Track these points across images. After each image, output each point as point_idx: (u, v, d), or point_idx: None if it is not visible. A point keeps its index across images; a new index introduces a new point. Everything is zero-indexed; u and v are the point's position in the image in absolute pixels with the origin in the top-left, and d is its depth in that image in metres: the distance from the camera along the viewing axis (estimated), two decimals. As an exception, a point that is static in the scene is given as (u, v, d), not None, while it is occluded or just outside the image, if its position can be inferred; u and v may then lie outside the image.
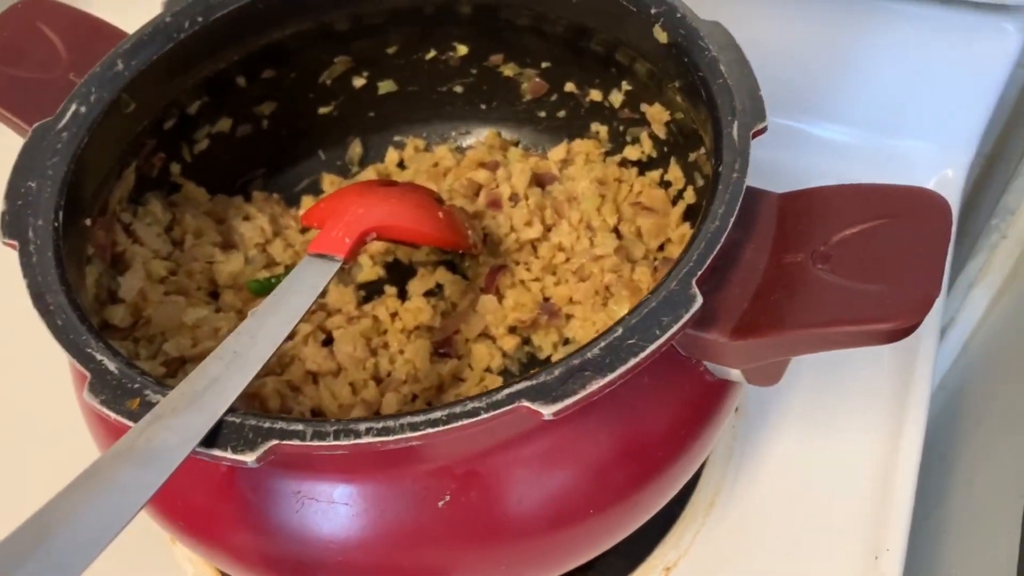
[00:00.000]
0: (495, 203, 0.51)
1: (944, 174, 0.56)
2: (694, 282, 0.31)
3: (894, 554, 0.44)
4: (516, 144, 0.55)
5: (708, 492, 0.47)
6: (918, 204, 0.34)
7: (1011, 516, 0.45)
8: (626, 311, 0.46)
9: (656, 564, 0.45)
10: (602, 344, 0.30)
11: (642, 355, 0.30)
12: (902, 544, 0.44)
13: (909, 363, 0.50)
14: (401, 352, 0.46)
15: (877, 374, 0.50)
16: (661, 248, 0.48)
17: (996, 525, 0.48)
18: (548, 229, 0.50)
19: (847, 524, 0.45)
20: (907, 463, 0.46)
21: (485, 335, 0.48)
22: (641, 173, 0.50)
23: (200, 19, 0.43)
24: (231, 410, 0.29)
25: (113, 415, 0.29)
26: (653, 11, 0.41)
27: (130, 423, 0.29)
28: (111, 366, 0.31)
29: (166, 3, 0.43)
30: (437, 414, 0.29)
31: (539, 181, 0.52)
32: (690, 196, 0.47)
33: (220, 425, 0.29)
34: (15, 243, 0.35)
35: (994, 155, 0.66)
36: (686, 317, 0.30)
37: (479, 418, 0.29)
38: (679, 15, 0.40)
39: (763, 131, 0.36)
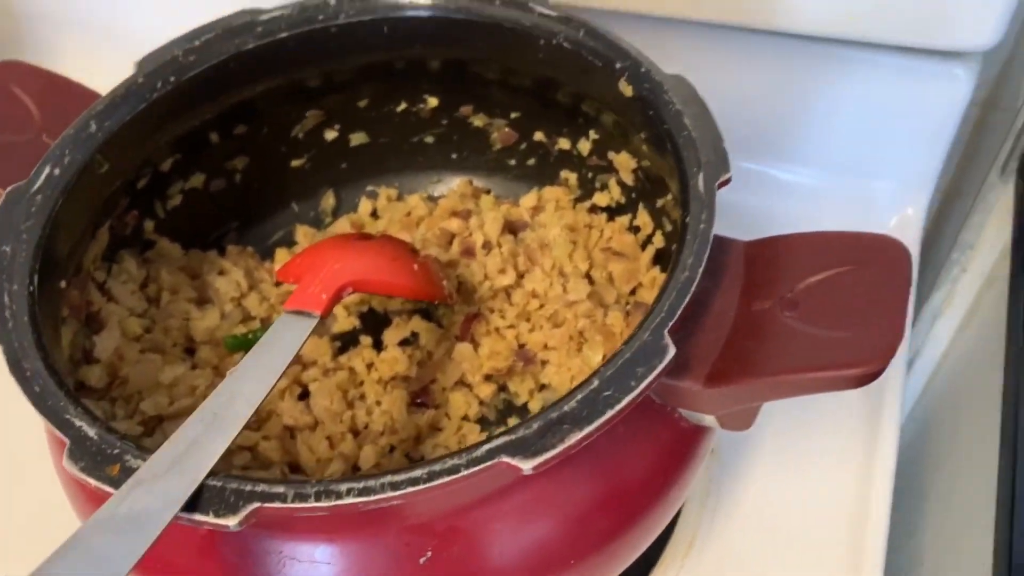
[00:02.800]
0: (468, 251, 0.51)
1: (905, 213, 0.57)
2: (666, 332, 0.32)
3: (870, 589, 0.45)
4: (487, 192, 0.55)
5: (686, 534, 0.47)
6: (879, 251, 0.35)
7: (983, 545, 0.46)
8: (600, 356, 0.47)
9: (637, 608, 0.46)
10: (579, 397, 0.31)
11: (619, 407, 0.30)
12: (878, 578, 0.45)
13: (878, 398, 0.51)
14: (378, 403, 0.46)
15: (847, 410, 0.51)
16: (633, 292, 0.49)
17: (968, 554, 0.49)
18: (521, 276, 0.50)
19: (823, 560, 0.46)
20: (880, 497, 0.47)
21: (461, 383, 0.48)
22: (610, 219, 0.51)
23: (172, 79, 0.43)
24: (211, 473, 0.30)
25: (93, 482, 0.29)
26: (618, 65, 0.42)
27: (111, 489, 0.29)
28: (90, 432, 0.31)
29: (138, 64, 0.43)
30: (417, 472, 0.29)
31: (511, 228, 0.52)
32: (659, 240, 0.48)
33: (201, 489, 0.29)
34: (-10, 309, 0.35)
35: (951, 191, 0.68)
36: (660, 367, 0.31)
37: (459, 475, 0.29)
38: (643, 69, 0.41)
39: (727, 182, 0.37)
